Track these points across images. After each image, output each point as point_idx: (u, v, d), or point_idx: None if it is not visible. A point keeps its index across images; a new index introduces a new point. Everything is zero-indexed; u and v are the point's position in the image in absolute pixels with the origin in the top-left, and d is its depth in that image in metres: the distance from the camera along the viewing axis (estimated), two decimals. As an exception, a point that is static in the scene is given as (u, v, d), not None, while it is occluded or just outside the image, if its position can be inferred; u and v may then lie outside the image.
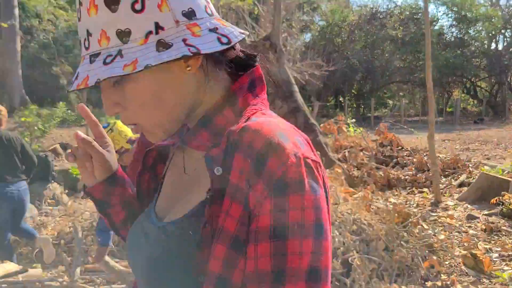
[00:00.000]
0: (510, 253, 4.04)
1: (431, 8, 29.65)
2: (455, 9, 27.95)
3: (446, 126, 22.15)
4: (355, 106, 30.14)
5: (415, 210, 5.58)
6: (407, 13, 28.04)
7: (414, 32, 27.26)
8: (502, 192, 5.27)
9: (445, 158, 7.88)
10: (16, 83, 22.26)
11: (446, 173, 7.51)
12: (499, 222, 4.87)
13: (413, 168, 7.70)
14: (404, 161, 8.09)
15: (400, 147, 8.77)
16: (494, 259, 3.95)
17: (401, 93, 33.97)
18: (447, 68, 27.22)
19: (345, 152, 8.14)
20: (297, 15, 28.88)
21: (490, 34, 29.74)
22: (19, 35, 22.52)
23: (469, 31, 29.29)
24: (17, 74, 22.45)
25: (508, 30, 30.30)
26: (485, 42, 31.04)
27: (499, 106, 28.72)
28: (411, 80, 29.52)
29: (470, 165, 7.68)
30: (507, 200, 5.12)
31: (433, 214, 5.14)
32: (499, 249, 4.14)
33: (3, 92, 22.20)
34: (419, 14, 28.50)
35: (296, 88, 8.26)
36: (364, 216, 3.73)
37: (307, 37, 30.42)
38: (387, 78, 28.78)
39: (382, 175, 7.25)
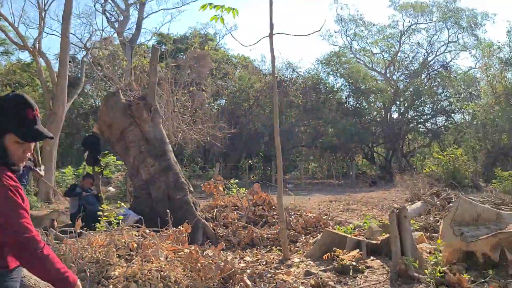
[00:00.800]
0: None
1: (331, 79, 32.17)
2: (351, 81, 30.60)
3: (343, 188, 23.34)
4: (262, 168, 30.93)
5: (260, 267, 5.71)
6: (309, 82, 30.10)
7: (315, 100, 29.21)
8: (334, 248, 5.59)
9: (309, 217, 8.23)
10: None
11: (308, 231, 7.83)
12: (329, 278, 5.11)
13: (278, 227, 7.92)
14: (274, 220, 8.31)
15: (273, 207, 9.02)
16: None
17: (311, 157, 35.63)
18: (346, 134, 29.16)
19: (214, 211, 8.21)
20: (209, 80, 29.90)
21: (384, 105, 32.77)
22: None
23: (364, 102, 32.02)
24: None
25: (398, 102, 33.65)
26: (381, 111, 34.06)
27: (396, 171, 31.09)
28: (315, 145, 31.19)
29: (331, 224, 8.08)
30: (339, 256, 5.42)
31: (271, 271, 5.26)
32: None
33: None
34: (320, 85, 30.84)
35: (169, 147, 8.35)
36: (176, 274, 3.73)
37: (222, 101, 31.46)
38: (292, 142, 30.08)
39: (246, 234, 7.37)
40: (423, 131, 35.76)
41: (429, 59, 36.49)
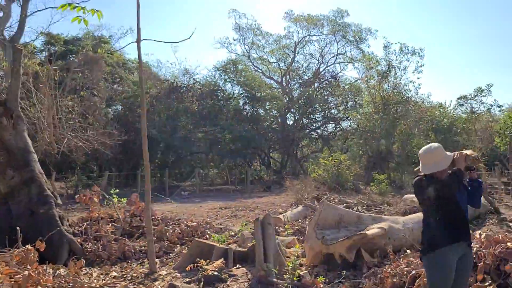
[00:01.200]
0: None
1: (228, 86, 32.51)
2: (247, 88, 31.21)
3: (239, 194, 23.62)
4: (159, 175, 30.18)
5: (123, 283, 5.47)
6: (206, 89, 30.12)
7: (212, 107, 29.29)
8: (197, 259, 5.58)
9: (187, 227, 8.13)
10: None
11: (184, 241, 7.73)
12: (191, 288, 5.05)
13: (155, 238, 7.71)
14: (160, 231, 8.07)
15: (152, 217, 8.76)
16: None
17: (211, 163, 35.50)
18: (243, 141, 29.62)
19: (84, 224, 7.75)
20: (103, 85, 28.44)
21: (279, 112, 33.98)
22: None
23: (260, 109, 32.85)
24: None
25: (293, 110, 35.17)
26: (276, 118, 35.27)
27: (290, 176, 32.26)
28: (212, 151, 31.22)
29: (209, 232, 8.06)
30: (203, 266, 5.40)
31: (131, 286, 5.06)
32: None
33: None
34: (217, 91, 31.00)
35: (34, 157, 7.72)
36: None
37: (118, 107, 30.10)
38: (190, 148, 29.79)
39: (118, 247, 7.05)
40: (315, 137, 37.76)
41: (321, 69, 38.65)
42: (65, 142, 17.38)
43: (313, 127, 37.31)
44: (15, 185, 7.29)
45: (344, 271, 5.76)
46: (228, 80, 32.20)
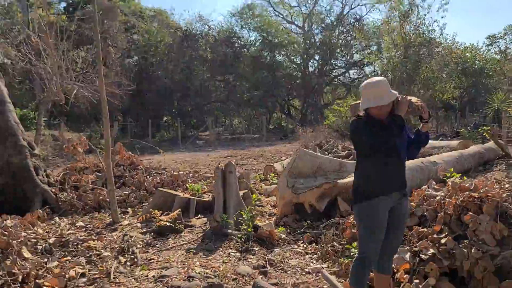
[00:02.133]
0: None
1: (244, 33, 31.56)
2: (264, 34, 30.20)
3: (253, 143, 23.41)
4: (176, 125, 30.25)
5: (81, 233, 5.39)
6: (222, 36, 29.33)
7: (228, 55, 28.61)
8: (150, 210, 5.38)
9: (167, 176, 7.96)
10: None
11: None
12: (144, 240, 4.90)
13: (133, 187, 7.61)
14: (132, 181, 7.95)
15: (138, 167, 8.64)
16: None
17: (234, 112, 35.26)
18: (261, 89, 29.09)
19: (61, 174, 7.69)
20: (120, 34, 28.03)
21: (299, 59, 32.97)
22: None
23: (279, 56, 31.91)
24: None
25: (316, 56, 33.97)
26: (297, 65, 34.24)
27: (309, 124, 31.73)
28: (231, 99, 30.89)
29: (190, 182, 7.87)
30: (156, 217, 5.21)
31: (80, 238, 4.92)
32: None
33: None
34: (234, 38, 30.14)
35: (9, 107, 7.57)
36: None
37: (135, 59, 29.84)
38: (207, 97, 29.54)
39: (93, 197, 6.97)
40: (338, 84, 36.66)
41: (344, 12, 36.77)
42: (74, 92, 17.34)
43: (336, 74, 36.09)
44: (-11, 135, 7.20)
45: (308, 222, 5.47)
46: (244, 26, 31.19)
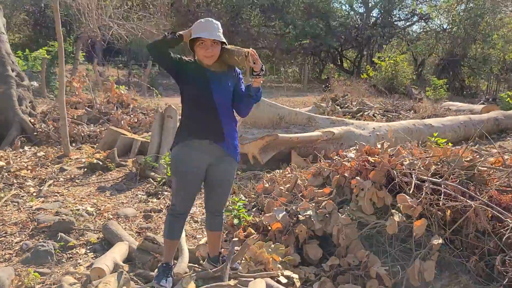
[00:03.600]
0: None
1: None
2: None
3: (290, 92, 22.95)
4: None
5: (29, 163, 5.64)
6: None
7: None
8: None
9: (146, 117, 8.04)
10: None
11: (138, 130, 7.70)
12: (74, 176, 5.06)
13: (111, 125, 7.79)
14: (116, 118, 8.13)
15: (129, 106, 8.81)
16: None
17: (290, 62, 34.54)
18: (310, 37, 28.05)
19: (44, 105, 8.01)
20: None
21: (352, 7, 31.15)
22: None
23: (335, 3, 30.32)
24: None
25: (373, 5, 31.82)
26: (352, 14, 32.42)
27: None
28: (279, 47, 30.15)
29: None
30: (90, 156, 5.32)
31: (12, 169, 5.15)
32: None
33: None
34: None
35: (2, 37, 7.88)
36: None
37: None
38: (253, 43, 29.01)
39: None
40: (399, 37, 34.36)
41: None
42: (111, 31, 17.71)
43: (398, 27, 33.75)
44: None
45: (238, 172, 5.35)
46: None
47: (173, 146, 2.75)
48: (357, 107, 11.31)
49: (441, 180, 3.31)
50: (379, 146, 4.31)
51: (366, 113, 10.78)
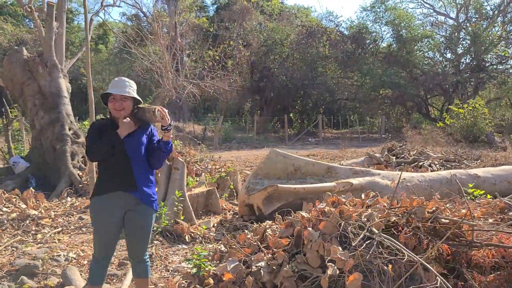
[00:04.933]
0: None
1: (375, 28, 30.11)
2: (397, 28, 28.30)
3: (365, 143, 22.38)
4: (299, 121, 30.59)
5: (57, 212, 6.18)
6: (351, 32, 28.54)
7: (356, 50, 27.73)
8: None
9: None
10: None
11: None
12: (85, 222, 5.44)
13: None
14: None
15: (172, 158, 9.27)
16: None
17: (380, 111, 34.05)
18: (394, 87, 27.48)
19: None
20: (256, 33, 29.58)
21: (435, 54, 30.03)
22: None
23: (415, 51, 29.53)
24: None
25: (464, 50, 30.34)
26: (432, 61, 31.20)
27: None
28: (358, 98, 29.91)
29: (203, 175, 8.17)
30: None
31: (59, 218, 5.70)
32: None
33: None
34: (363, 34, 28.99)
35: (64, 101, 8.94)
36: None
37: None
38: (331, 95, 29.13)
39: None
40: (491, 82, 32.12)
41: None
42: (186, 91, 19.07)
43: (489, 71, 31.68)
44: (45, 124, 8.64)
45: (238, 223, 5.34)
46: (376, 20, 29.75)
47: (91, 197, 2.93)
48: (413, 157, 10.70)
49: (377, 233, 3.04)
50: (363, 196, 4.13)
51: (421, 163, 10.16)
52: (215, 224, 5.64)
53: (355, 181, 6.26)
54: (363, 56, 28.20)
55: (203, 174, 8.11)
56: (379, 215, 3.38)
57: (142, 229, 2.91)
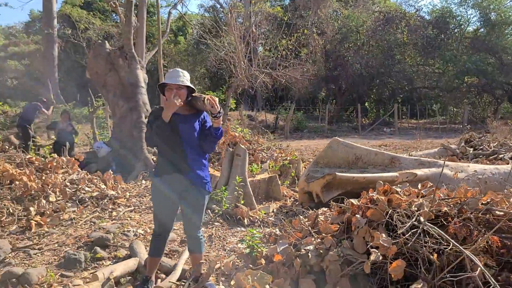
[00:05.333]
0: None
1: (461, 11, 28.27)
2: (486, 12, 26.35)
3: (443, 134, 21.35)
4: (374, 110, 29.73)
5: (133, 193, 6.71)
6: (433, 16, 27.10)
7: (439, 36, 26.32)
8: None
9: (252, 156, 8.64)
10: (52, 84, 25.75)
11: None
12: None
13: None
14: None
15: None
16: None
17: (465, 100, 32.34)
18: (477, 74, 25.85)
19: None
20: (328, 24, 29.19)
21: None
22: (57, 42, 25.96)
23: (503, 36, 27.34)
24: (54, 76, 25.98)
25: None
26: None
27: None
28: (438, 86, 28.45)
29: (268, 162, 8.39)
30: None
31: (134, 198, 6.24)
32: None
33: (42, 91, 25.96)
34: (447, 18, 27.37)
35: (141, 91, 9.56)
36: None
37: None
38: (410, 83, 27.97)
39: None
40: None
41: None
42: (258, 80, 19.34)
43: None
44: (124, 112, 9.33)
45: (296, 209, 5.46)
46: (462, 3, 27.89)
47: (151, 177, 3.23)
48: (493, 149, 10.08)
49: (423, 222, 3.01)
50: (419, 187, 4.09)
51: (501, 155, 9.54)
52: (274, 210, 5.81)
53: (420, 172, 6.10)
54: (445, 41, 26.67)
55: (268, 161, 8.31)
56: (430, 205, 3.33)
57: (195, 208, 3.15)
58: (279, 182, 6.64)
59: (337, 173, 5.51)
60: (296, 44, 24.51)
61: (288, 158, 8.40)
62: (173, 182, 3.09)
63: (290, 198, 6.53)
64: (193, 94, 3.14)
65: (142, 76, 9.88)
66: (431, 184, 4.10)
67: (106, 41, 10.08)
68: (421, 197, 3.71)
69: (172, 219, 3.23)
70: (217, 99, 3.06)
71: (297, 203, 6.15)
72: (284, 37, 24.59)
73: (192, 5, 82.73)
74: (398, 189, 3.90)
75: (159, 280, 3.43)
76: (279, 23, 29.76)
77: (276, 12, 30.29)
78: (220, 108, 3.02)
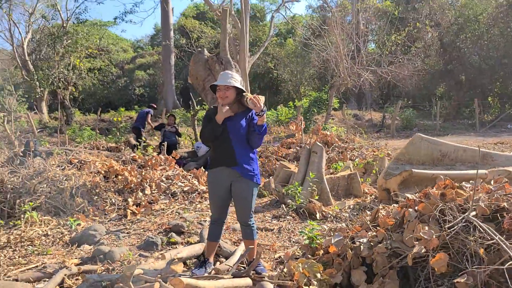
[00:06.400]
0: None
1: None
2: None
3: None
4: (499, 105, 26.97)
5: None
6: None
7: None
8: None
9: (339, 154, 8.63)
10: (170, 91, 28.17)
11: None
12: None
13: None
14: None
15: (333, 145, 9.64)
16: None
17: None
18: None
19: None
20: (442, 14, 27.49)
21: None
22: (173, 52, 28.28)
23: None
24: (171, 84, 28.36)
25: None
26: None
27: None
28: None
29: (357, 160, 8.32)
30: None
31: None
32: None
33: (160, 98, 28.51)
34: None
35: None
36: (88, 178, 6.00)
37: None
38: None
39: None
40: None
41: None
42: (362, 79, 18.96)
43: None
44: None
45: (373, 206, 5.40)
46: None
47: (207, 169, 3.57)
48: None
49: (471, 216, 2.88)
50: (492, 183, 3.86)
51: None
52: (351, 206, 5.81)
53: (512, 169, 5.61)
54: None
55: (356, 159, 8.24)
56: (488, 199, 3.16)
57: (243, 198, 3.41)
58: (361, 179, 6.58)
59: (413, 170, 5.33)
60: (406, 39, 23.46)
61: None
62: (224, 174, 3.38)
63: (371, 195, 6.45)
64: (243, 94, 3.39)
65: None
66: (507, 180, 3.82)
67: (205, 49, 10.85)
68: (487, 193, 3.51)
69: (226, 207, 3.53)
70: (262, 98, 3.27)
71: (376, 200, 6.06)
72: (393, 32, 23.69)
73: (300, 7, 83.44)
74: (468, 185, 3.74)
75: (218, 263, 3.75)
76: (390, 18, 28.70)
77: (386, 6, 29.23)
78: (264, 107, 3.22)
